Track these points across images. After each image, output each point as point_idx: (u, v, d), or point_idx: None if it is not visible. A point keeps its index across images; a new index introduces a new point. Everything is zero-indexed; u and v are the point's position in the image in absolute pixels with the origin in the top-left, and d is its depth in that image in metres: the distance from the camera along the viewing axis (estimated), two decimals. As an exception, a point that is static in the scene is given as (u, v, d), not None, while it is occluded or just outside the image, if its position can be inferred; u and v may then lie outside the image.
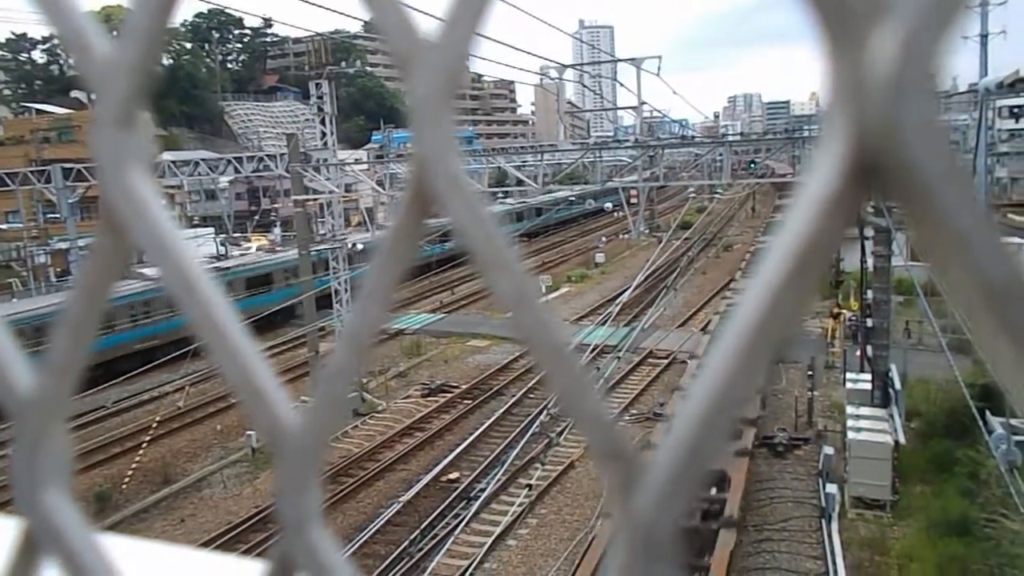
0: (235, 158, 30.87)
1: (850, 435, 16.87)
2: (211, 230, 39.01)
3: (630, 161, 31.36)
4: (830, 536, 15.15)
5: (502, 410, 23.06)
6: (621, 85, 41.28)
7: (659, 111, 48.07)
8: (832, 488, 15.85)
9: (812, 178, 0.28)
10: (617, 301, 23.44)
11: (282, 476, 0.40)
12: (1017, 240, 18.93)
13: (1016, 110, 44.89)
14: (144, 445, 20.59)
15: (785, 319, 0.29)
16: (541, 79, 44.36)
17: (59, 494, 0.46)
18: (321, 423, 0.40)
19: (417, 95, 0.34)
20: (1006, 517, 13.41)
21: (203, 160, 31.02)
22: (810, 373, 22.26)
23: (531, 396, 23.94)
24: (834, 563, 14.36)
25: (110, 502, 18.54)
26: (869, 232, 19.95)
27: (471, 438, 21.14)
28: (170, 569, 0.84)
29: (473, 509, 16.15)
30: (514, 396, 24.17)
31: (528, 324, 0.34)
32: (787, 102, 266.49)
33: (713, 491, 15.03)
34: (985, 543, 14.04)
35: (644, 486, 0.32)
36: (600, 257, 47.31)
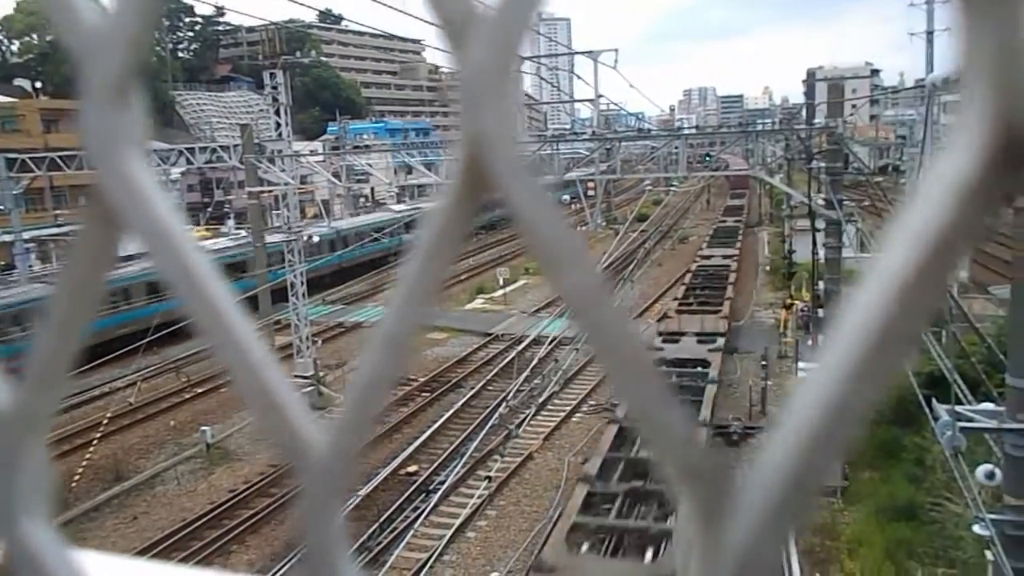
0: (187, 149, 30.12)
1: (802, 423, 17.24)
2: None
3: (587, 154, 31.46)
4: (783, 522, 15.45)
5: (461, 402, 23.04)
6: (579, 78, 41.46)
7: (616, 104, 48.34)
8: (785, 476, 16.16)
9: (946, 161, 0.25)
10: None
11: (305, 499, 0.36)
12: None
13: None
14: (95, 442, 20.06)
15: (916, 318, 0.26)
16: (499, 71, 44.08)
17: (38, 516, 0.42)
18: (351, 439, 0.35)
19: (472, 66, 0.30)
20: (950, 501, 13.82)
21: (153, 151, 30.22)
22: (764, 363, 22.72)
23: (490, 388, 23.96)
24: (786, 548, 14.68)
25: (59, 501, 18.05)
26: (820, 224, 20.37)
27: (430, 431, 21.07)
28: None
29: (432, 502, 16.12)
30: (473, 388, 24.17)
31: (598, 326, 0.30)
32: (741, 96, 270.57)
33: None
34: (931, 526, 14.48)
35: (737, 513, 0.27)
36: (558, 249, 47.42)
